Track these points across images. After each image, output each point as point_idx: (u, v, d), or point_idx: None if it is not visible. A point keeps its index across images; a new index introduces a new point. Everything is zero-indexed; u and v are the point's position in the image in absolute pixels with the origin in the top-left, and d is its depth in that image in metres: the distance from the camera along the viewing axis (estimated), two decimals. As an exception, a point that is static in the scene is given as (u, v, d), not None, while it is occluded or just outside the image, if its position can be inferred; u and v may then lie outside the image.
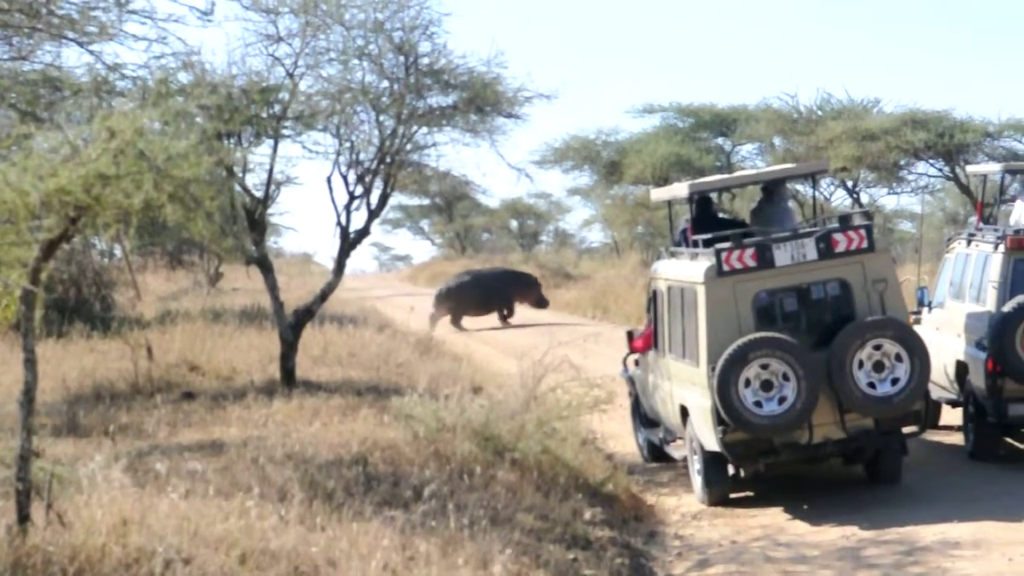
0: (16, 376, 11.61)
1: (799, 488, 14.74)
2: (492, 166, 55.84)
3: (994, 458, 15.79)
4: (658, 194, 17.22)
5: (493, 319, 35.10)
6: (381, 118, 18.23)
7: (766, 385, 13.73)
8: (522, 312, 35.42)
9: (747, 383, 13.71)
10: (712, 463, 14.38)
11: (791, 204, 17.77)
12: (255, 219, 17.86)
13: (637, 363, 17.12)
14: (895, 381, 13.89)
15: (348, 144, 18.22)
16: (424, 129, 18.75)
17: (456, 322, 34.83)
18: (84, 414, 15.15)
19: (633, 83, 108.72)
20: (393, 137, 18.25)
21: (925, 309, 17.85)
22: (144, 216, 12.99)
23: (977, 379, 15.58)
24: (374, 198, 18.54)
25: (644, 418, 17.04)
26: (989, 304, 15.57)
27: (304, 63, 17.68)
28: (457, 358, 23.23)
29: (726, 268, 14.06)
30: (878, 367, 13.88)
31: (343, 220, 18.34)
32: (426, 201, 68.28)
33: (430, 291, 50.61)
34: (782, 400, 13.74)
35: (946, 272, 17.51)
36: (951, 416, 17.30)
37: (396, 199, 51.85)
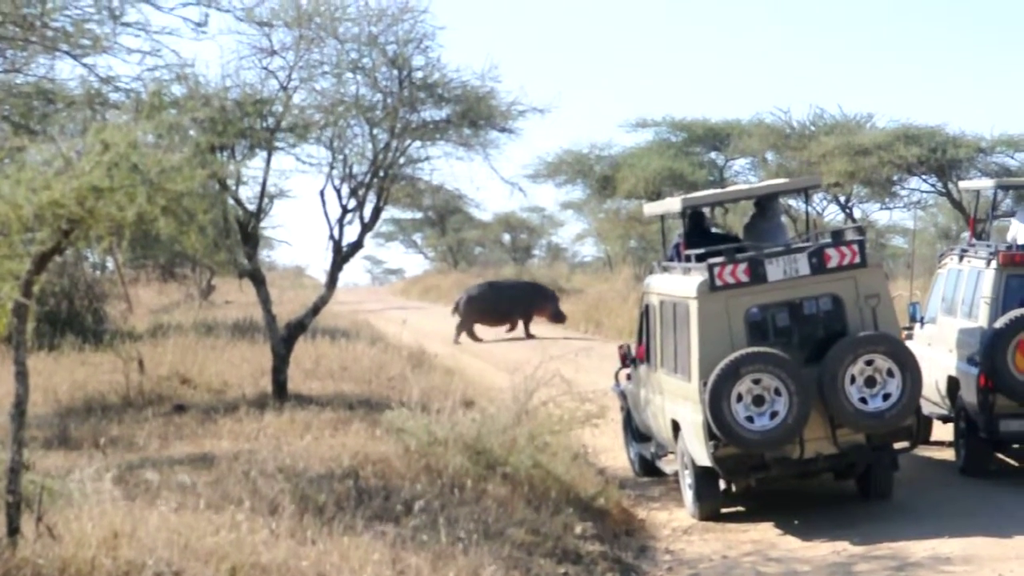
0: (7, 389, 11.60)
1: (790, 503, 14.74)
2: (485, 180, 55.72)
3: (985, 474, 15.81)
4: (651, 208, 17.24)
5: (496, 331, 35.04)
6: (374, 131, 18.25)
7: (758, 400, 13.74)
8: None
9: (739, 398, 13.72)
10: (703, 478, 14.37)
11: (784, 219, 17.79)
12: (248, 232, 17.86)
13: (629, 377, 17.12)
14: (887, 396, 13.90)
15: (341, 157, 18.26)
16: (417, 143, 18.78)
17: (471, 331, 34.81)
18: (75, 427, 15.14)
19: (626, 97, 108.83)
20: (386, 150, 18.27)
21: (917, 324, 17.87)
22: (137, 229, 12.99)
23: (969, 395, 15.60)
24: (367, 211, 18.55)
25: (636, 432, 17.04)
26: (981, 320, 15.60)
27: (298, 76, 17.71)
28: (449, 372, 23.21)
29: (719, 283, 14.08)
30: (870, 382, 13.89)
31: (336, 233, 18.35)
32: (419, 214, 68.22)
33: (423, 304, 50.67)
34: (774, 415, 13.74)
35: (938, 288, 17.54)
36: (942, 432, 17.32)
37: (389, 212, 51.78)
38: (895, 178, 36.41)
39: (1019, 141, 35.30)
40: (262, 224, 18.44)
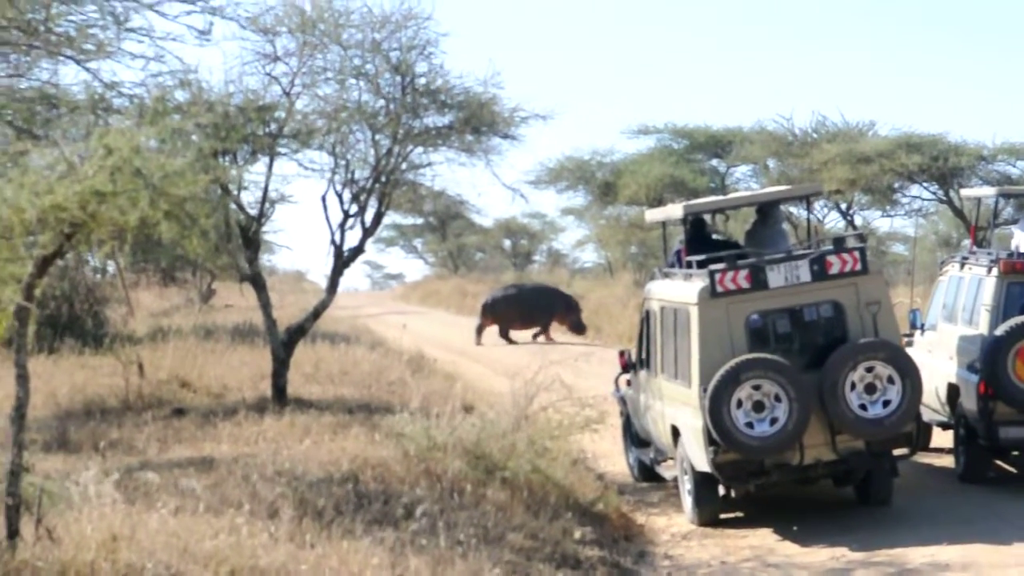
0: (7, 391, 11.62)
1: (789, 509, 14.75)
2: (487, 185, 55.73)
3: (984, 481, 15.82)
4: (652, 215, 17.25)
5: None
6: (377, 137, 18.27)
7: (758, 406, 13.75)
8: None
9: (739, 404, 13.73)
10: (703, 483, 14.38)
11: (785, 226, 17.80)
12: (249, 237, 17.88)
13: (629, 383, 17.13)
14: (887, 403, 13.91)
15: (343, 163, 18.27)
16: (420, 148, 18.80)
17: (504, 333, 34.92)
18: (75, 430, 15.15)
19: (628, 104, 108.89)
20: (388, 156, 18.29)
21: (917, 331, 17.88)
22: (139, 233, 13.02)
23: (968, 402, 15.61)
24: (368, 216, 18.58)
25: (635, 438, 17.05)
26: (982, 327, 15.61)
27: (301, 82, 17.73)
28: (449, 377, 23.22)
29: (720, 289, 14.09)
30: (870, 389, 13.90)
31: (337, 238, 18.37)
32: (420, 220, 68.22)
33: (423, 310, 50.66)
34: (774, 421, 13.75)
35: (939, 295, 17.55)
36: (942, 438, 17.32)
37: (390, 218, 51.80)
38: (896, 186, 36.43)
39: (1020, 149, 35.32)
40: (263, 229, 18.47)
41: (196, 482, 11.43)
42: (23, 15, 14.72)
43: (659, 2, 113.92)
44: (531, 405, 14.81)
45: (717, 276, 14.11)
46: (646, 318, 16.17)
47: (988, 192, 18.88)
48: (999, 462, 16.58)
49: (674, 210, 15.91)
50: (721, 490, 14.45)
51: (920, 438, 14.85)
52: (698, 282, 14.35)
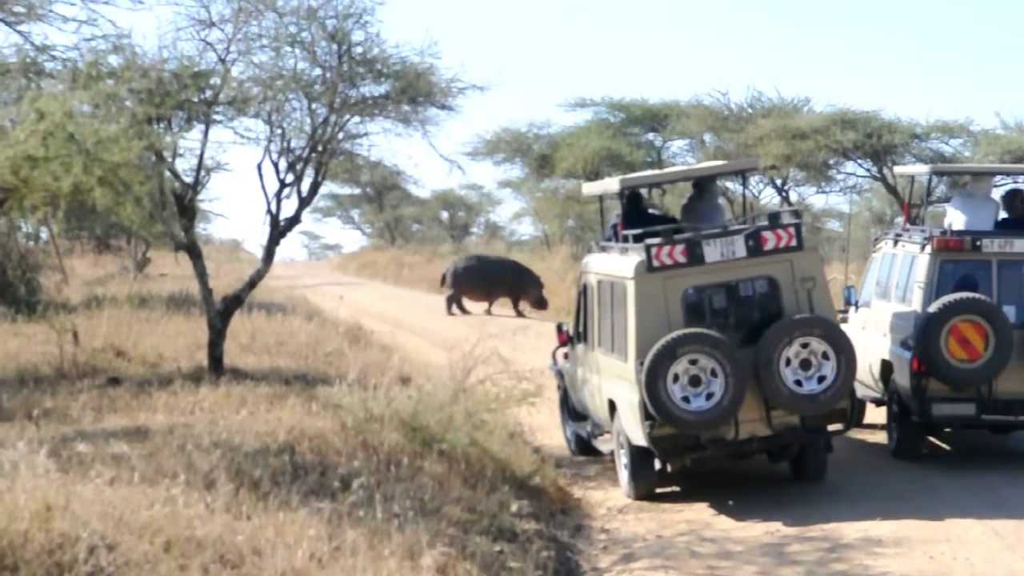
0: (-61, 359, 11.48)
1: (725, 484, 14.83)
2: (424, 157, 55.84)
3: (917, 457, 15.96)
4: (589, 188, 17.26)
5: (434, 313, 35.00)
6: (313, 106, 18.14)
7: (694, 381, 13.80)
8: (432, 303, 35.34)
9: (675, 378, 13.78)
10: (639, 457, 14.43)
11: (721, 201, 17.85)
12: (184, 205, 17.72)
13: (566, 356, 17.15)
14: (821, 379, 14.00)
15: (279, 131, 18.12)
16: (356, 118, 18.67)
17: (459, 303, 34.83)
18: (7, 398, 14.98)
19: (565, 77, 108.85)
20: (325, 125, 18.16)
21: (852, 308, 18.00)
22: (73, 199, 12.90)
23: (902, 378, 15.73)
24: (305, 186, 18.44)
25: (572, 412, 17.08)
26: (915, 304, 15.73)
27: (236, 49, 17.55)
28: (386, 348, 23.17)
29: (656, 264, 14.12)
30: (805, 365, 13.98)
31: (273, 208, 18.23)
32: (357, 190, 68.06)
33: (360, 280, 50.53)
34: (709, 396, 13.81)
35: (873, 272, 17.68)
36: (875, 415, 17.46)
37: (327, 188, 51.65)
38: (831, 162, 36.63)
39: (953, 128, 35.59)
40: (199, 197, 18.31)
41: (130, 451, 11.33)
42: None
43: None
44: (468, 378, 14.79)
45: (653, 250, 14.14)
46: (583, 292, 16.19)
47: (921, 170, 18.99)
48: (932, 438, 16.75)
49: (611, 184, 15.92)
50: (657, 464, 14.51)
51: (854, 414, 14.94)
52: (634, 256, 14.37)
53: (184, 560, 8.98)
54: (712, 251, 14.20)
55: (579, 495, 14.77)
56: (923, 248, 15.86)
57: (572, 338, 16.73)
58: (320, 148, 18.25)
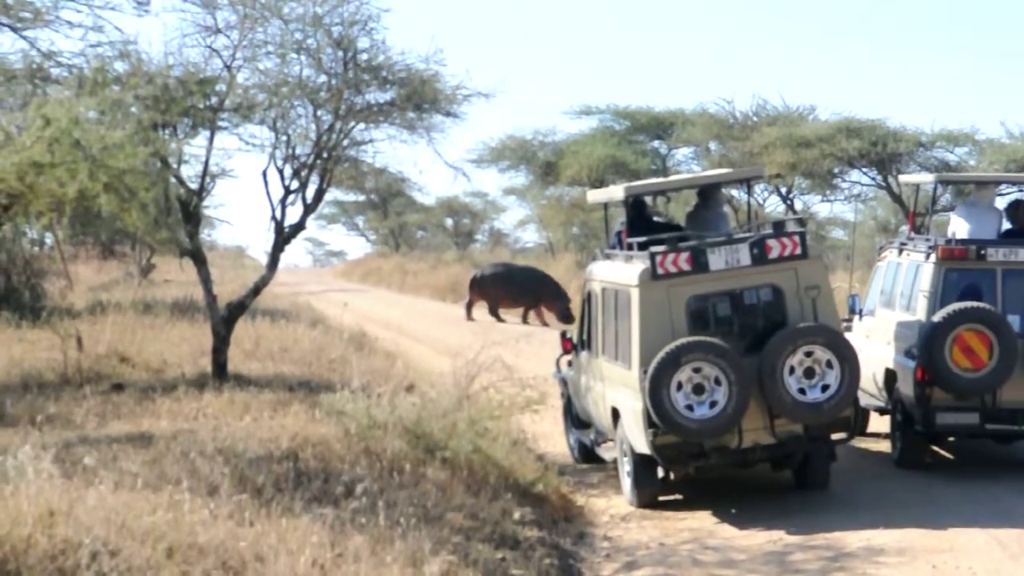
0: (-56, 364, 11.49)
1: (728, 492, 14.81)
2: (429, 164, 55.76)
3: (920, 466, 15.95)
4: (594, 196, 17.27)
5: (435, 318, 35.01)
6: (318, 113, 18.17)
7: (698, 389, 13.79)
8: (451, 311, 35.37)
9: (679, 386, 13.77)
10: (642, 465, 14.42)
11: (726, 209, 17.87)
12: (189, 211, 17.75)
13: (570, 364, 17.16)
14: (825, 388, 13.98)
15: (285, 138, 18.15)
16: (361, 125, 18.71)
17: (494, 310, 34.82)
18: (11, 404, 15.00)
19: (571, 84, 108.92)
20: (330, 132, 18.19)
21: (856, 317, 18.00)
22: (78, 205, 12.91)
23: (906, 387, 15.72)
24: (310, 193, 18.48)
25: (576, 419, 17.08)
26: (919, 313, 15.72)
27: (242, 55, 17.59)
28: (390, 355, 23.18)
29: (660, 271, 14.11)
30: (809, 373, 13.97)
31: (278, 214, 18.26)
32: (361, 197, 68.15)
33: (364, 287, 50.58)
34: (713, 404, 13.80)
35: (877, 280, 17.67)
36: (879, 423, 17.45)
37: (331, 195, 51.63)
38: (836, 170, 36.63)
39: (959, 136, 35.58)
40: (204, 203, 18.34)
41: (135, 458, 11.34)
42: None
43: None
44: (472, 385, 14.80)
45: (658, 258, 14.14)
46: (587, 299, 16.19)
47: (926, 178, 19.01)
48: (935, 448, 16.74)
49: (616, 191, 15.93)
50: (660, 472, 14.51)
51: (858, 423, 14.92)
52: (639, 264, 14.37)
53: (187, 566, 8.99)
54: (717, 259, 14.20)
55: (582, 503, 14.76)
56: (928, 257, 15.85)
57: (576, 346, 16.73)
58: (325, 155, 18.28)
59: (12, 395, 15.70)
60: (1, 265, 25.12)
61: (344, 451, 12.83)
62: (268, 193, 18.23)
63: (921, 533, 12.84)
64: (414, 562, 9.95)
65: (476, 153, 44.37)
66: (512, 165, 45.53)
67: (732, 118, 38.42)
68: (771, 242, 14.26)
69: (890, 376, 16.33)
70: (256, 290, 18.64)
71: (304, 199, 18.43)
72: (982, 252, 15.56)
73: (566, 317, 34.16)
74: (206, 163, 17.74)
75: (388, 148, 19.27)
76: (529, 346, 18.82)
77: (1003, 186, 21.07)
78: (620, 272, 14.92)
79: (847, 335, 15.23)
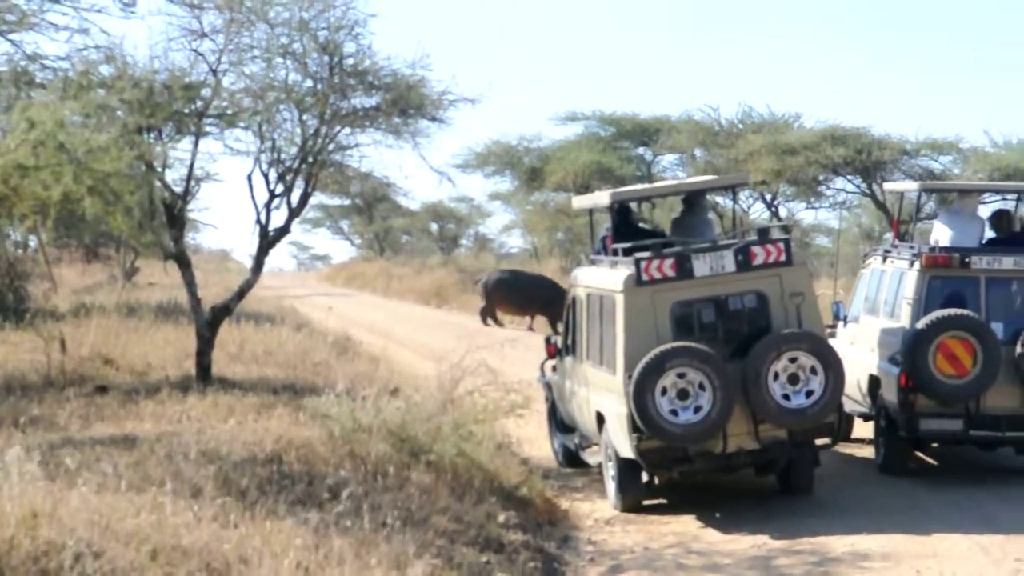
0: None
1: (712, 497, 14.83)
2: (414, 168, 55.67)
3: (904, 472, 15.98)
4: (579, 202, 17.28)
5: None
6: (304, 117, 18.15)
7: (682, 394, 13.81)
8: (435, 315, 35.36)
9: (663, 391, 13.78)
10: (626, 470, 14.44)
11: (711, 216, 17.89)
12: (174, 215, 17.73)
13: (555, 368, 17.17)
14: (809, 393, 14.01)
15: (270, 142, 18.13)
16: (347, 130, 18.70)
17: (493, 315, 34.68)
18: (-5, 406, 14.96)
19: (556, 90, 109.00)
20: (315, 137, 18.18)
21: (840, 323, 18.03)
22: (63, 208, 12.90)
23: (889, 394, 15.76)
24: (295, 197, 18.46)
25: (560, 423, 17.08)
26: (903, 320, 15.76)
27: (227, 60, 17.57)
28: (375, 359, 23.17)
29: (645, 277, 14.13)
30: (793, 379, 13.99)
31: (263, 218, 18.25)
32: (346, 202, 68.08)
33: (348, 291, 50.53)
34: (697, 409, 13.82)
35: (861, 287, 17.71)
36: (863, 429, 17.49)
37: (316, 199, 51.59)
38: (821, 178, 36.69)
39: (943, 145, 35.67)
40: (188, 207, 18.32)
41: (118, 460, 11.32)
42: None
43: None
44: (457, 389, 14.80)
45: (643, 264, 14.16)
46: (572, 305, 16.20)
47: (911, 186, 19.04)
48: (919, 454, 16.78)
49: (601, 197, 15.95)
50: (645, 477, 14.51)
51: (842, 429, 14.97)
52: (624, 270, 14.39)
53: (170, 568, 8.98)
54: (701, 265, 14.23)
55: (566, 507, 14.77)
56: (912, 264, 15.89)
57: (561, 350, 16.74)
58: (310, 159, 18.27)
59: (-4, 397, 15.66)
60: (-16, 267, 25.05)
61: (328, 454, 12.83)
62: (253, 197, 18.23)
63: (905, 539, 12.87)
64: (398, 565, 9.95)
65: (461, 158, 44.39)
66: (497, 170, 45.54)
67: (718, 125, 38.47)
68: (756, 249, 14.29)
69: (874, 382, 16.37)
70: (241, 293, 18.63)
71: (289, 203, 18.42)
72: (966, 260, 15.61)
73: None
74: (191, 167, 17.73)
75: (373, 153, 19.33)
76: (514, 350, 18.82)
77: (986, 195, 21.14)
78: (605, 278, 14.93)
79: (831, 341, 15.26)
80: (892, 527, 13.24)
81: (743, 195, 37.57)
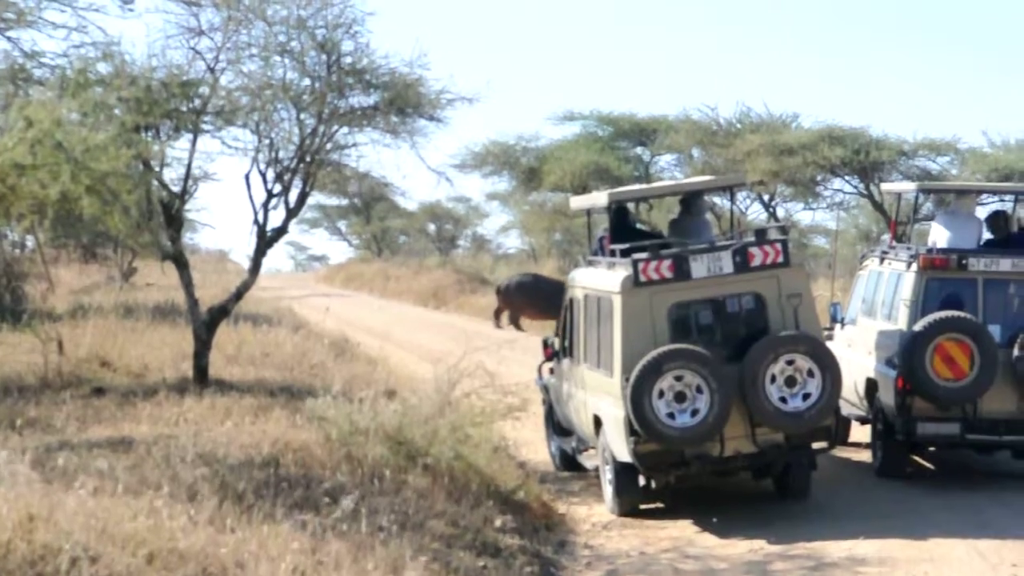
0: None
1: (709, 501, 14.81)
2: (412, 168, 55.61)
3: (901, 476, 15.97)
4: (577, 202, 17.27)
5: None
6: (302, 116, 18.12)
7: (679, 397, 13.79)
8: (433, 316, 35.33)
9: (660, 394, 13.77)
10: (623, 473, 14.42)
11: (708, 217, 17.88)
12: (172, 214, 17.69)
13: (552, 371, 17.14)
14: (806, 396, 14.00)
15: (268, 141, 18.09)
16: (345, 129, 18.66)
17: (515, 320, 34.65)
18: (-9, 407, 14.92)
19: (554, 90, 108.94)
20: (313, 136, 18.15)
21: (838, 325, 18.01)
22: (60, 208, 12.87)
23: (887, 397, 15.74)
24: (292, 197, 18.41)
25: (557, 427, 17.06)
26: (900, 322, 15.74)
27: (225, 58, 17.54)
28: (372, 361, 23.14)
29: (643, 279, 14.12)
30: (790, 382, 13.98)
31: (260, 218, 18.21)
32: (344, 202, 68.00)
33: (346, 292, 50.47)
34: (695, 412, 13.80)
35: (859, 289, 17.69)
36: (860, 433, 17.46)
37: (314, 199, 51.64)
38: (818, 178, 36.66)
39: (940, 145, 35.65)
40: (186, 207, 18.27)
41: (115, 463, 11.29)
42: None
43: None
44: (454, 391, 14.76)
45: (640, 265, 14.14)
46: (569, 306, 16.18)
47: (908, 187, 19.02)
48: (916, 457, 16.75)
49: (599, 198, 15.93)
50: (642, 480, 14.49)
51: (839, 432, 14.95)
52: (621, 271, 14.37)
53: (167, 572, 8.97)
54: (699, 267, 14.21)
55: (563, 510, 14.74)
56: (909, 266, 15.87)
57: (558, 353, 16.72)
58: (308, 159, 18.23)
59: (-8, 399, 15.62)
60: (-19, 267, 25.01)
61: (325, 457, 12.80)
62: (251, 197, 18.19)
63: (902, 543, 12.86)
64: (395, 569, 9.94)
65: (459, 158, 44.28)
66: (495, 170, 45.45)
67: (715, 125, 38.42)
68: (753, 250, 14.27)
69: (871, 385, 16.35)
70: (238, 294, 18.59)
71: (287, 203, 18.38)
72: (963, 261, 15.59)
73: None
74: (188, 166, 17.69)
75: (371, 152, 19.24)
76: (511, 353, 18.79)
77: (984, 196, 21.12)
78: (602, 279, 14.91)
79: (829, 344, 15.24)
80: (889, 531, 13.23)
81: (740, 196, 37.53)
